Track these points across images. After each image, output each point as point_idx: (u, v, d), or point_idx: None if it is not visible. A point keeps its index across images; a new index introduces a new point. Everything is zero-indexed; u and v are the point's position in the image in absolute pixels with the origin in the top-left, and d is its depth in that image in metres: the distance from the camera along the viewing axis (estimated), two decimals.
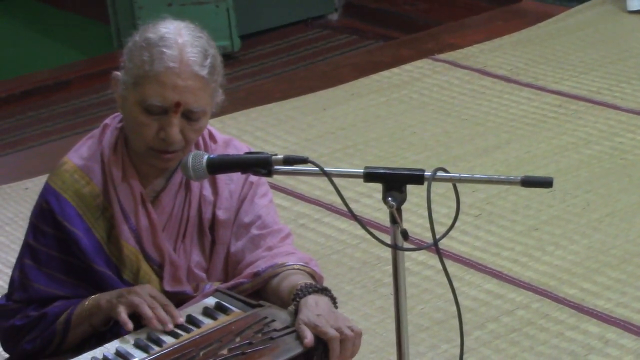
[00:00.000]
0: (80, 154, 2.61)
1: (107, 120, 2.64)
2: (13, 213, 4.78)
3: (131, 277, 2.58)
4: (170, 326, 2.43)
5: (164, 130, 2.46)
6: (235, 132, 5.30)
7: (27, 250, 2.60)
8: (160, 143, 2.48)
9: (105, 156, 2.57)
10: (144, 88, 2.44)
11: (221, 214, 2.62)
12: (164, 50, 2.43)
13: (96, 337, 2.54)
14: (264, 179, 2.63)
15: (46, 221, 2.57)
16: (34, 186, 4.87)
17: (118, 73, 2.52)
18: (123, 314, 2.44)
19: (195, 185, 2.60)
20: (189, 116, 2.47)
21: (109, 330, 2.53)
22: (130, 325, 2.42)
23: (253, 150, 2.64)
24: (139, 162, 2.57)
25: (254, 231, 2.62)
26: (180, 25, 2.50)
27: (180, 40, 2.45)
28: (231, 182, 2.63)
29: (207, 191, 2.62)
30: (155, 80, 2.43)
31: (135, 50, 2.47)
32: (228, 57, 7.23)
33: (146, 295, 2.47)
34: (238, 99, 5.88)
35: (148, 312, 2.44)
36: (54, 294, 2.57)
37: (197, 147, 2.61)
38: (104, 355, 2.37)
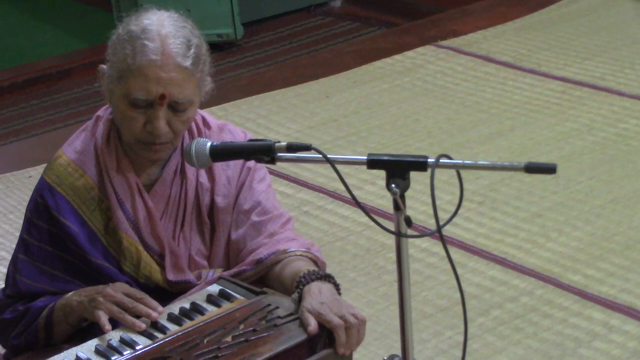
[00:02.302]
0: (74, 147, 2.61)
1: (99, 112, 2.64)
2: (16, 201, 4.79)
3: (132, 269, 2.57)
4: (155, 315, 2.40)
5: (151, 123, 2.45)
6: (237, 120, 5.29)
7: (22, 245, 2.60)
8: (148, 135, 2.47)
9: (99, 148, 2.57)
10: (128, 82, 2.43)
11: (220, 201, 2.61)
12: (146, 42, 2.41)
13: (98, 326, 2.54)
14: (261, 164, 2.63)
15: (41, 216, 2.57)
16: (37, 174, 4.87)
17: (104, 66, 2.51)
18: (103, 317, 2.41)
19: (191, 172, 2.60)
20: (175, 107, 2.46)
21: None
22: (108, 327, 2.40)
23: (248, 133, 2.65)
24: (133, 152, 2.56)
25: (255, 218, 2.61)
26: (163, 15, 2.48)
27: (162, 31, 2.43)
28: (228, 167, 2.63)
29: (204, 178, 2.62)
30: (138, 74, 2.42)
31: (118, 43, 2.46)
32: (231, 45, 7.23)
33: (120, 296, 2.45)
34: (240, 87, 5.87)
35: (127, 319, 2.41)
36: (42, 289, 2.57)
37: (191, 133, 2.61)
38: (108, 342, 2.37)
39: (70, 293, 2.52)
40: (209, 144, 2.38)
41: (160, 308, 2.44)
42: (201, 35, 2.51)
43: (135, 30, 2.44)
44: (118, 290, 2.47)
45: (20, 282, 2.58)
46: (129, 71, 2.42)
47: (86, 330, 2.53)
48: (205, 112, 2.68)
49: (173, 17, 2.48)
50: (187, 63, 2.43)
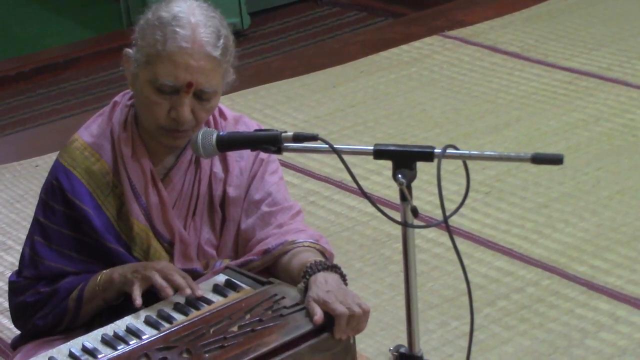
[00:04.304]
0: (90, 131, 2.61)
1: (117, 98, 2.64)
2: (23, 190, 4.79)
3: (141, 255, 2.58)
4: (188, 291, 2.43)
5: (175, 109, 2.46)
6: (244, 110, 5.29)
7: (37, 227, 2.60)
8: (171, 122, 2.48)
9: (115, 133, 2.58)
10: (156, 67, 2.44)
11: (232, 191, 2.62)
12: (177, 29, 2.42)
13: (107, 313, 2.55)
14: (274, 156, 2.64)
15: (56, 198, 2.57)
16: (44, 163, 4.88)
17: (130, 50, 2.52)
18: (137, 290, 2.44)
19: (205, 162, 2.60)
20: (201, 96, 2.47)
21: (120, 304, 2.54)
22: (139, 301, 2.42)
23: (263, 127, 2.65)
24: (149, 139, 2.57)
25: (265, 208, 2.62)
26: (194, 4, 2.49)
27: (193, 19, 2.44)
28: (241, 159, 2.64)
29: (218, 168, 2.62)
30: (167, 60, 2.43)
31: (147, 28, 2.46)
32: (238, 35, 7.18)
33: (160, 267, 2.47)
34: (247, 77, 5.87)
35: (160, 281, 2.43)
36: (64, 270, 2.58)
37: (207, 124, 2.61)
38: (114, 332, 2.38)
39: (111, 269, 2.53)
40: (215, 133, 2.38)
41: (199, 292, 2.45)
42: (228, 25, 2.51)
43: (166, 17, 2.44)
44: (162, 267, 2.48)
45: (40, 264, 2.58)
46: (158, 57, 2.43)
47: (112, 310, 2.54)
48: (221, 104, 2.69)
49: (203, 7, 2.49)
50: (217, 53, 2.44)
